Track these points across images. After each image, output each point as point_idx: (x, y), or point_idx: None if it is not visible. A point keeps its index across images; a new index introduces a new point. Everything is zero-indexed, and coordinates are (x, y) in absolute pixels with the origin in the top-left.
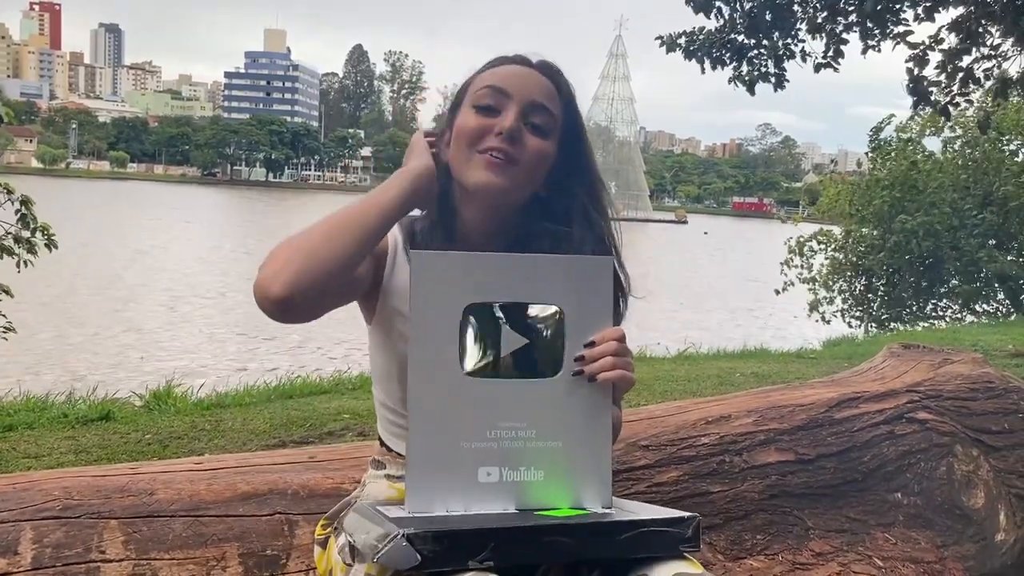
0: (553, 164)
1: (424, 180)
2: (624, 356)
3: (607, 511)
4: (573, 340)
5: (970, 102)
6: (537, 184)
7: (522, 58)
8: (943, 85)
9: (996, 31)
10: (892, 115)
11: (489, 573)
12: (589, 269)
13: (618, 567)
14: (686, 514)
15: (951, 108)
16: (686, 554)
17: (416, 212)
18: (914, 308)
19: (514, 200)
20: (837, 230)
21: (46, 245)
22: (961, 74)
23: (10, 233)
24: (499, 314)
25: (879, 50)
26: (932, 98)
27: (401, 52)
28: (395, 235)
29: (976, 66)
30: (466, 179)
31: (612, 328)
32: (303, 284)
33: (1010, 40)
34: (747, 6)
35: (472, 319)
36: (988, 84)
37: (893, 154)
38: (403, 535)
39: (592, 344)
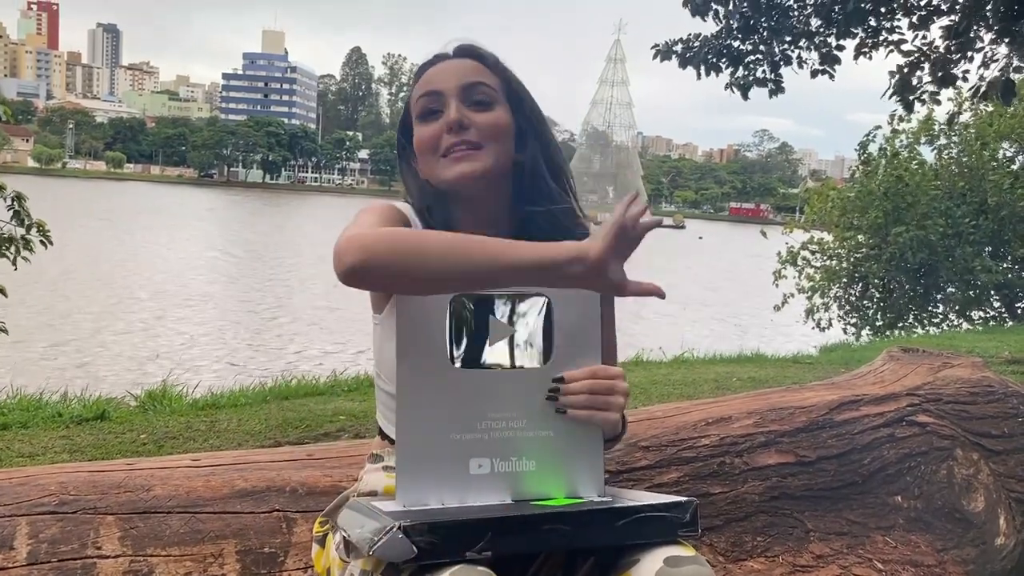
0: (515, 129)
1: (588, 268)
2: (603, 395)
3: (604, 499)
4: (560, 328)
5: (937, 101)
6: (509, 154)
7: (440, 56)
8: (922, 88)
9: (987, 37)
10: (878, 127)
11: (483, 566)
12: None
13: (613, 553)
14: (683, 499)
15: (918, 103)
16: (681, 539)
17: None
18: (910, 316)
19: (495, 177)
20: (829, 237)
21: (41, 242)
22: (944, 75)
23: (3, 233)
24: (487, 304)
25: (870, 57)
26: (911, 98)
27: (399, 55)
28: (413, 218)
29: (957, 68)
30: (442, 183)
31: (600, 368)
32: (375, 278)
33: (1001, 46)
34: (743, 8)
35: (459, 309)
36: (968, 85)
37: (883, 166)
38: (399, 527)
39: (564, 379)
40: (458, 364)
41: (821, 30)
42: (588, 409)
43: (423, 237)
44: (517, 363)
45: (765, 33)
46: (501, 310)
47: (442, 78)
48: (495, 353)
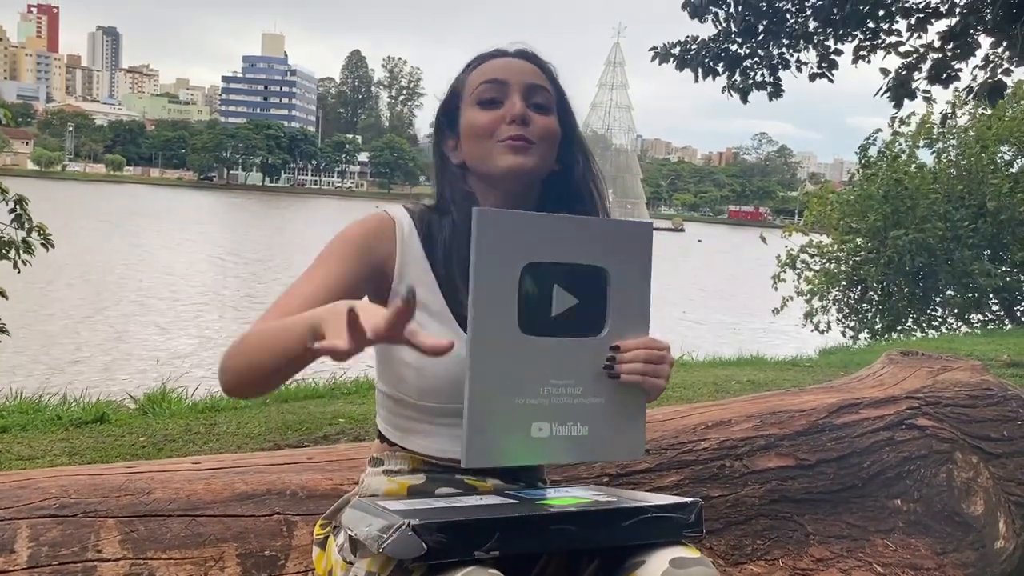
0: (560, 141)
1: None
2: (655, 364)
3: (610, 499)
4: (614, 301)
5: (928, 99)
6: (552, 161)
7: (501, 52)
8: (916, 87)
9: (984, 40)
10: (879, 130)
11: (492, 566)
12: (631, 232)
13: (618, 555)
14: (688, 499)
15: (907, 99)
16: (686, 540)
17: (427, 201)
18: (909, 319)
19: (536, 180)
20: (828, 240)
21: (43, 244)
22: (939, 74)
23: (4, 235)
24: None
25: (869, 61)
26: (903, 96)
27: (399, 58)
28: (401, 222)
29: (952, 69)
30: (492, 168)
31: (652, 339)
32: (237, 393)
33: (1001, 48)
34: (740, 11)
35: (527, 278)
36: (962, 85)
37: (883, 169)
38: (408, 525)
39: (620, 348)
40: (525, 331)
41: (819, 31)
42: (642, 375)
43: (245, 339)
44: (573, 331)
45: (762, 37)
46: (565, 281)
47: (508, 72)
48: (558, 322)
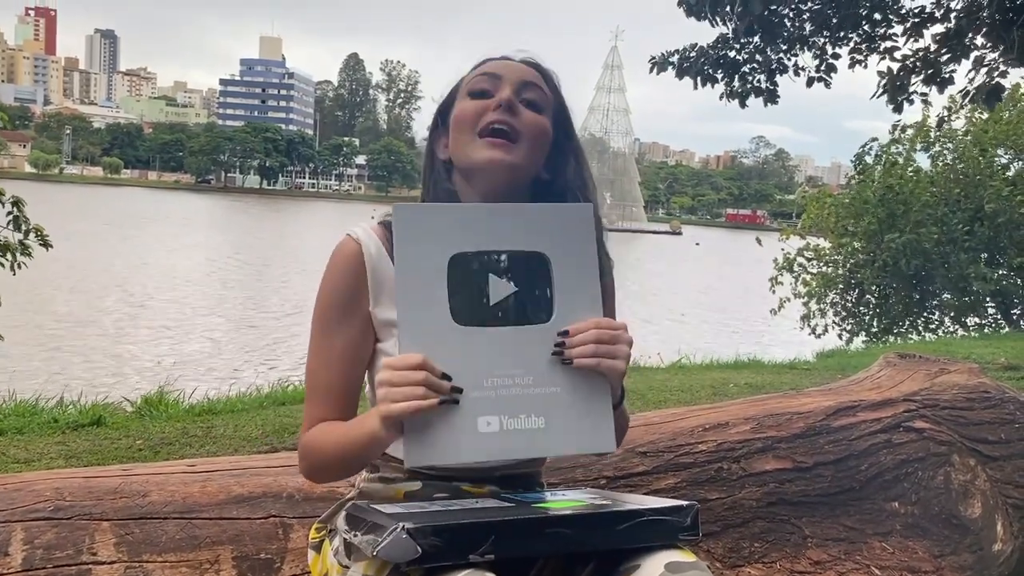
0: (552, 147)
1: (387, 435)
2: (608, 344)
3: (605, 502)
4: (560, 286)
5: (926, 102)
6: (539, 162)
7: (507, 57)
8: (913, 90)
9: (984, 44)
10: (875, 139)
11: (487, 570)
12: (571, 215)
13: (614, 558)
14: (684, 503)
15: (906, 104)
16: (681, 543)
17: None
18: (906, 322)
19: (519, 178)
20: (825, 243)
21: (41, 244)
22: (935, 76)
23: (1, 239)
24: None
25: (865, 66)
26: (900, 99)
27: (397, 61)
28: (368, 245)
29: (947, 71)
30: (472, 160)
31: (604, 319)
32: (322, 480)
33: (997, 52)
34: (739, 11)
35: (459, 269)
36: (958, 88)
37: (878, 173)
38: (403, 528)
39: (569, 332)
40: (461, 323)
41: (815, 33)
42: (595, 357)
43: (322, 439)
44: (519, 320)
45: (760, 41)
46: (501, 268)
47: (504, 69)
48: (497, 311)
